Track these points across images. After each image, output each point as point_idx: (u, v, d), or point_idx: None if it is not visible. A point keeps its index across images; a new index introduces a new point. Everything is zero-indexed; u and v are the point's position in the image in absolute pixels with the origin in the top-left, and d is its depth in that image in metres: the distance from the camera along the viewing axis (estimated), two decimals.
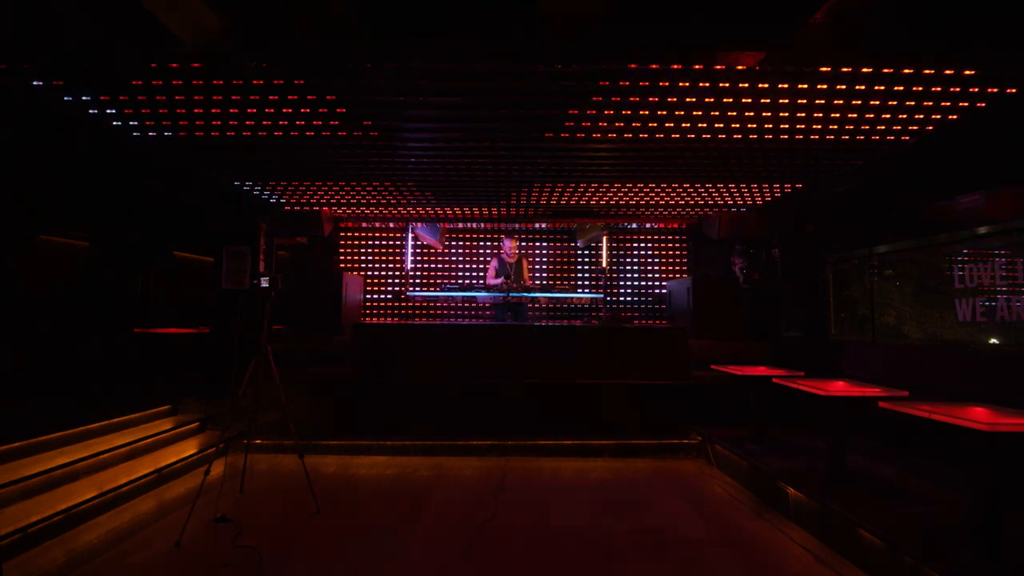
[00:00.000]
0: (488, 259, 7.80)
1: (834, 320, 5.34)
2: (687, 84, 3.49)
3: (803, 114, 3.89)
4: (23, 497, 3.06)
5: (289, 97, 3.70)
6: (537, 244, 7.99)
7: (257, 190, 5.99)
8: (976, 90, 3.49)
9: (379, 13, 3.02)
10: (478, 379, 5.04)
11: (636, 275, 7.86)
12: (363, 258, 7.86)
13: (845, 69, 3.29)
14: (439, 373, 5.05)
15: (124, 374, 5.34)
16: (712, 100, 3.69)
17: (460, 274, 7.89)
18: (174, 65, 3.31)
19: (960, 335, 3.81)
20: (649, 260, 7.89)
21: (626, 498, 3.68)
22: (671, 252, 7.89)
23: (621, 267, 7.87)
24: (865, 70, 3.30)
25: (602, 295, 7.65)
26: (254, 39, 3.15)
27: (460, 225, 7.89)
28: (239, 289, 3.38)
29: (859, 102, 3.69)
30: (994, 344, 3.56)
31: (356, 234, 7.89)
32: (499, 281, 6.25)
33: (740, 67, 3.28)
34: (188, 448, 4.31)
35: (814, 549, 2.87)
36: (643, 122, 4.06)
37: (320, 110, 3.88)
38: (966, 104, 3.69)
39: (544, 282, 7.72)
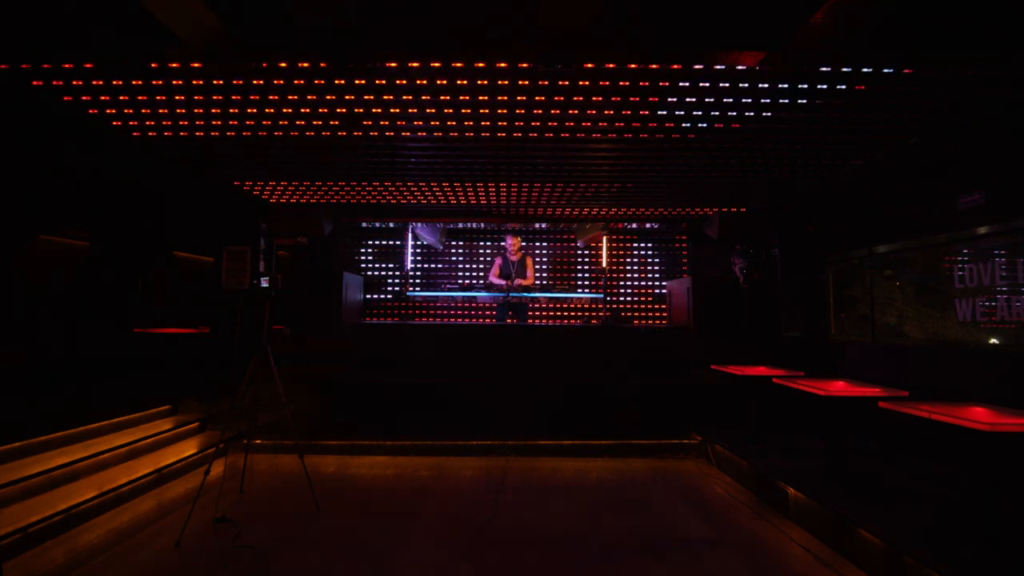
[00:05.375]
0: (488, 259, 7.81)
1: (834, 320, 5.34)
2: (687, 84, 3.49)
3: (803, 114, 3.89)
4: (23, 497, 3.06)
5: (289, 97, 3.70)
6: (537, 244, 7.99)
7: (257, 190, 5.99)
8: (976, 90, 3.49)
9: (377, 14, 3.02)
10: (478, 379, 5.04)
11: (636, 275, 7.86)
12: (363, 258, 7.86)
13: (845, 69, 3.30)
14: (439, 373, 5.05)
15: (124, 374, 5.33)
16: (712, 100, 3.69)
17: (460, 274, 7.89)
18: (174, 65, 3.31)
19: (960, 335, 3.81)
20: (649, 260, 7.89)
21: (626, 498, 3.68)
22: (671, 252, 7.89)
23: (621, 267, 7.87)
24: (865, 70, 3.30)
25: (602, 295, 7.65)
26: (254, 39, 3.15)
27: (460, 225, 7.89)
28: (239, 289, 3.38)
29: (859, 102, 3.70)
30: (994, 344, 3.56)
31: (356, 234, 7.89)
32: (500, 282, 6.26)
33: (740, 67, 3.28)
34: (188, 448, 4.31)
35: (814, 549, 2.87)
36: (643, 122, 4.06)
37: (320, 110, 3.88)
38: (966, 104, 3.68)
39: (544, 282, 7.73)
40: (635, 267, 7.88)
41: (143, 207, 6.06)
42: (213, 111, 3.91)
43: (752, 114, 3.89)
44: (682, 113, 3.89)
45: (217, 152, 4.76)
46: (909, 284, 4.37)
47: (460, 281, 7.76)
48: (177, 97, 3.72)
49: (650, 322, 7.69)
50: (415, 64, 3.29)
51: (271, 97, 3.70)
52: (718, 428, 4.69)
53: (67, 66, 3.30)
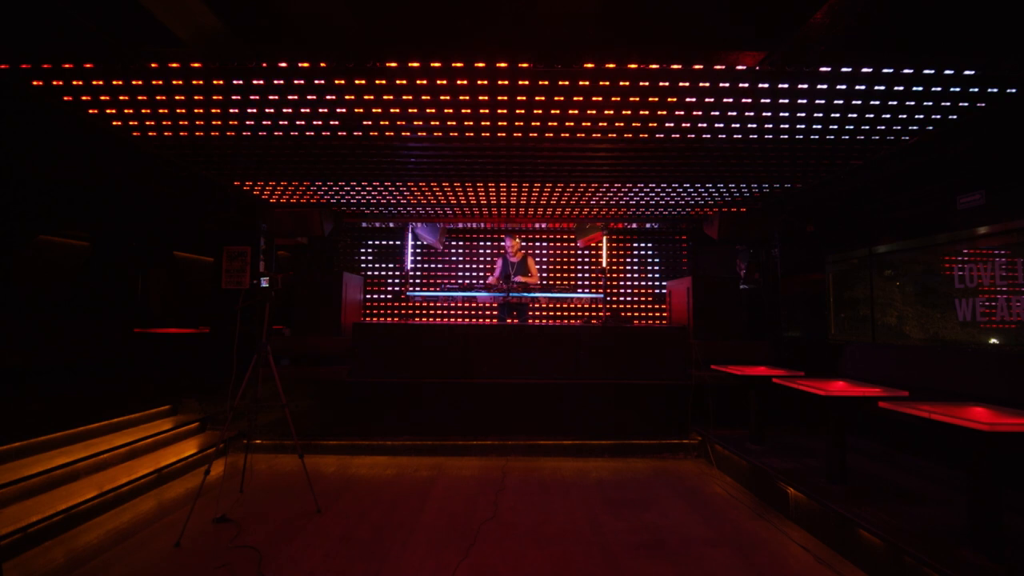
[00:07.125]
0: (489, 259, 7.82)
1: (834, 320, 5.34)
2: (687, 84, 3.49)
3: (803, 114, 3.89)
4: (23, 497, 3.06)
5: (289, 97, 3.70)
6: (537, 244, 7.99)
7: (257, 190, 5.99)
8: (976, 90, 3.49)
9: (377, 16, 3.02)
10: (478, 379, 5.05)
11: (636, 275, 7.86)
12: (363, 258, 7.86)
13: (845, 69, 3.30)
14: (438, 373, 5.05)
15: (124, 374, 5.33)
16: (712, 100, 3.69)
17: (460, 274, 7.89)
18: (174, 65, 3.31)
19: (960, 335, 3.81)
20: (649, 260, 7.90)
21: (626, 498, 3.68)
22: (671, 252, 7.89)
23: (621, 267, 7.87)
24: (865, 70, 3.30)
25: (602, 295, 7.65)
26: (254, 39, 3.14)
27: (460, 225, 7.89)
28: (239, 289, 3.38)
29: (859, 102, 3.70)
30: (994, 344, 3.56)
31: (356, 234, 7.89)
32: (501, 284, 6.26)
33: (740, 67, 3.28)
34: (188, 448, 4.31)
35: (814, 549, 2.87)
36: (643, 122, 4.06)
37: (320, 110, 3.88)
38: (966, 104, 3.68)
39: (544, 282, 7.72)
40: (635, 267, 7.88)
41: (143, 207, 6.06)
42: (213, 111, 3.91)
43: (752, 114, 3.89)
44: (682, 113, 3.89)
45: (217, 152, 4.75)
46: (909, 284, 4.37)
47: (460, 281, 7.76)
48: (177, 97, 3.71)
49: (650, 322, 7.69)
50: (415, 64, 3.29)
51: (271, 97, 3.70)
52: (718, 428, 4.69)
53: (67, 66, 3.30)
